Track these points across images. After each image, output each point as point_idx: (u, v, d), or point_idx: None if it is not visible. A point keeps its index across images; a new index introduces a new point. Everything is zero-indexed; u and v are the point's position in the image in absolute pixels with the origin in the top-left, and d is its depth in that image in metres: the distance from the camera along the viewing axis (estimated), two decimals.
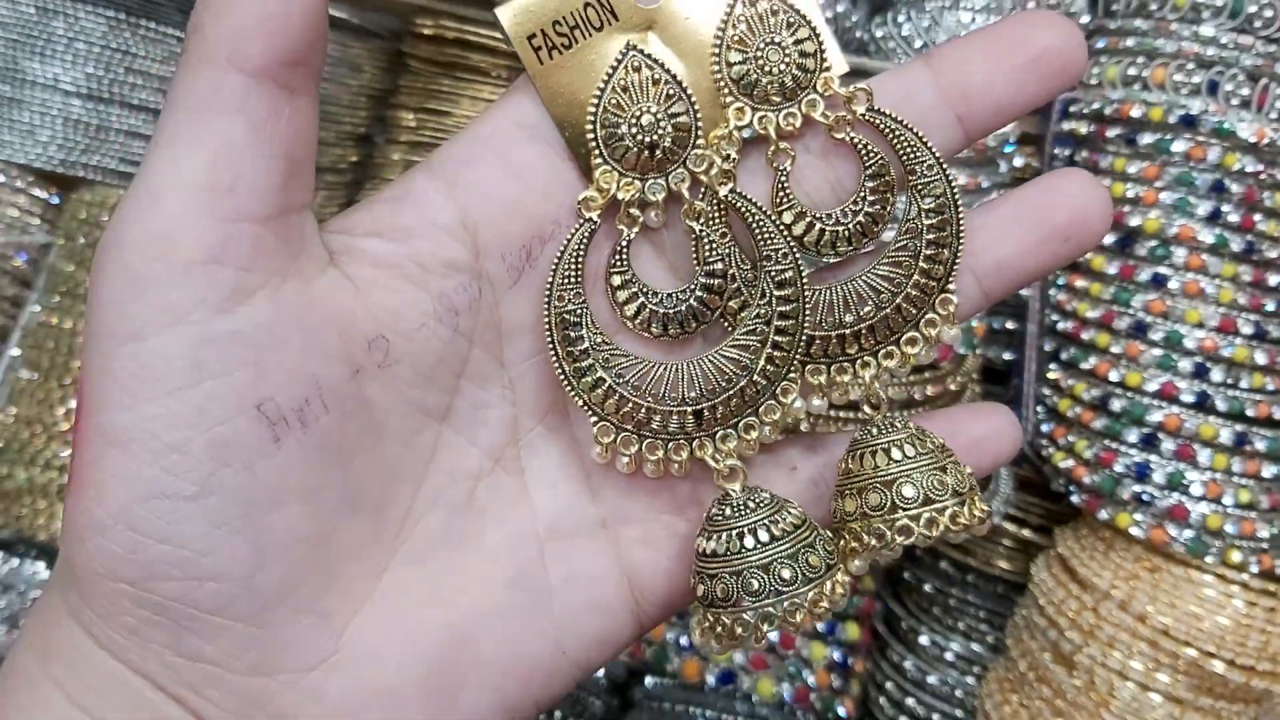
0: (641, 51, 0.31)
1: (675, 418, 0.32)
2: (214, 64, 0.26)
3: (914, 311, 0.33)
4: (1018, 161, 0.98)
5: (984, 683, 0.93)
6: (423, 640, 0.31)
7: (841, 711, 0.95)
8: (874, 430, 0.33)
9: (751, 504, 0.32)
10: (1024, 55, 0.32)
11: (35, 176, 1.06)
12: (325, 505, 0.29)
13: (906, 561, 1.02)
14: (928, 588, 1.00)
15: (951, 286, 0.33)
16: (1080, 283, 0.91)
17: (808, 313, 0.32)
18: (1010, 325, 1.00)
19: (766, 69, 0.32)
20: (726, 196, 0.32)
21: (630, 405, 0.32)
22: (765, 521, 0.32)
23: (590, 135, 0.31)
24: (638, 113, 0.31)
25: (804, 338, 0.32)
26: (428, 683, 0.31)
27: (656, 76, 0.31)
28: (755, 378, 0.32)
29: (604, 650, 0.34)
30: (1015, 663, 0.90)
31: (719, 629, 0.32)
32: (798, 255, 0.32)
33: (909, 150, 0.32)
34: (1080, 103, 0.97)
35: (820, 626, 0.95)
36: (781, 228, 0.32)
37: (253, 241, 0.27)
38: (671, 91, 0.31)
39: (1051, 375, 0.91)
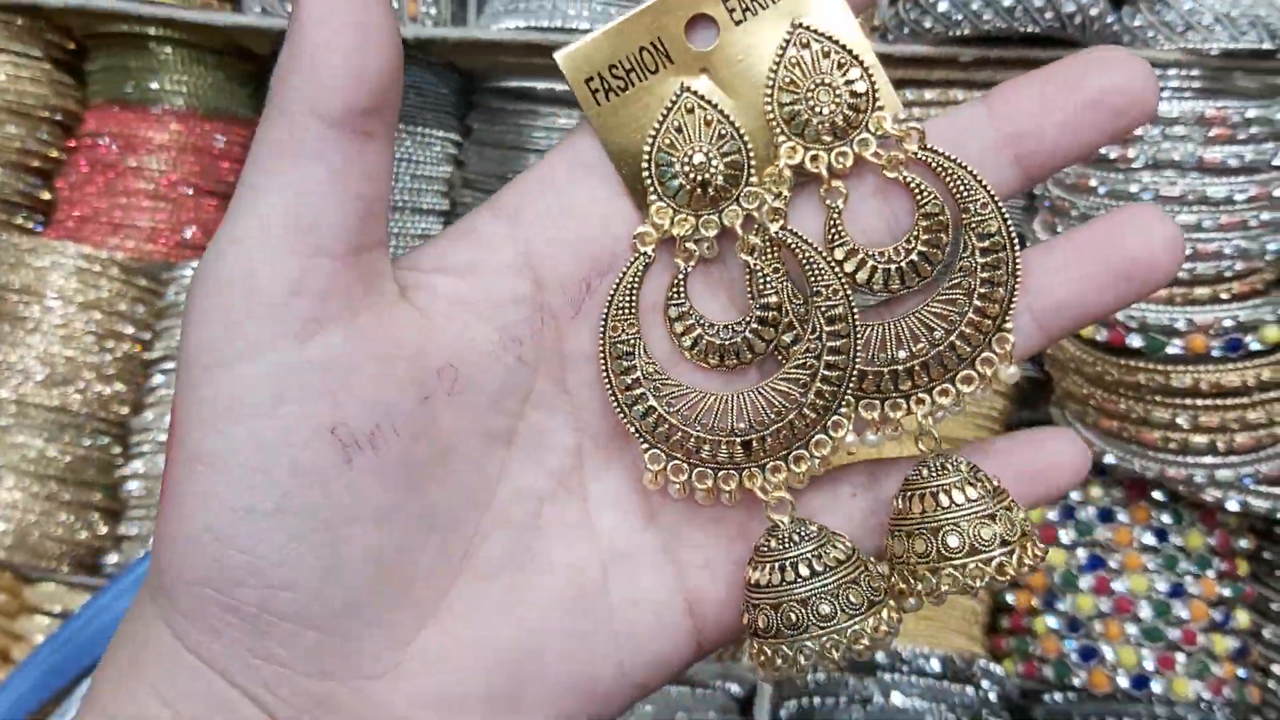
0: (694, 92, 0.33)
1: (724, 448, 0.32)
2: (296, 114, 0.28)
3: (969, 350, 0.33)
4: None
5: None
6: (487, 655, 0.32)
7: (1251, 700, 0.94)
8: (924, 470, 0.33)
9: (798, 537, 0.32)
10: (1080, 97, 0.32)
11: None
12: (396, 524, 0.30)
13: (1263, 540, 1.01)
14: None
15: (1008, 325, 0.33)
16: None
17: (859, 348, 0.32)
18: None
19: (817, 109, 0.33)
20: (777, 233, 0.33)
21: (680, 434, 0.32)
22: (810, 555, 0.32)
23: (645, 173, 0.33)
24: (690, 151, 0.32)
25: (856, 373, 0.33)
26: (490, 695, 0.32)
27: (709, 117, 0.33)
28: (804, 411, 0.32)
29: (663, 672, 0.35)
30: None
31: (763, 658, 0.32)
32: (848, 290, 0.32)
33: (962, 189, 0.33)
34: None
35: (1217, 615, 0.94)
36: (833, 264, 0.32)
37: (329, 277, 0.29)
38: (724, 131, 0.33)
39: None
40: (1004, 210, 0.33)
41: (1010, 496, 0.33)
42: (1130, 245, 0.32)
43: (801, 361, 0.32)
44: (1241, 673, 0.94)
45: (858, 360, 0.32)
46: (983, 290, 0.33)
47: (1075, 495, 0.98)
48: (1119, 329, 0.93)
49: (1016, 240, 0.33)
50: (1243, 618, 0.96)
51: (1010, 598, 0.99)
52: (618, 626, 0.34)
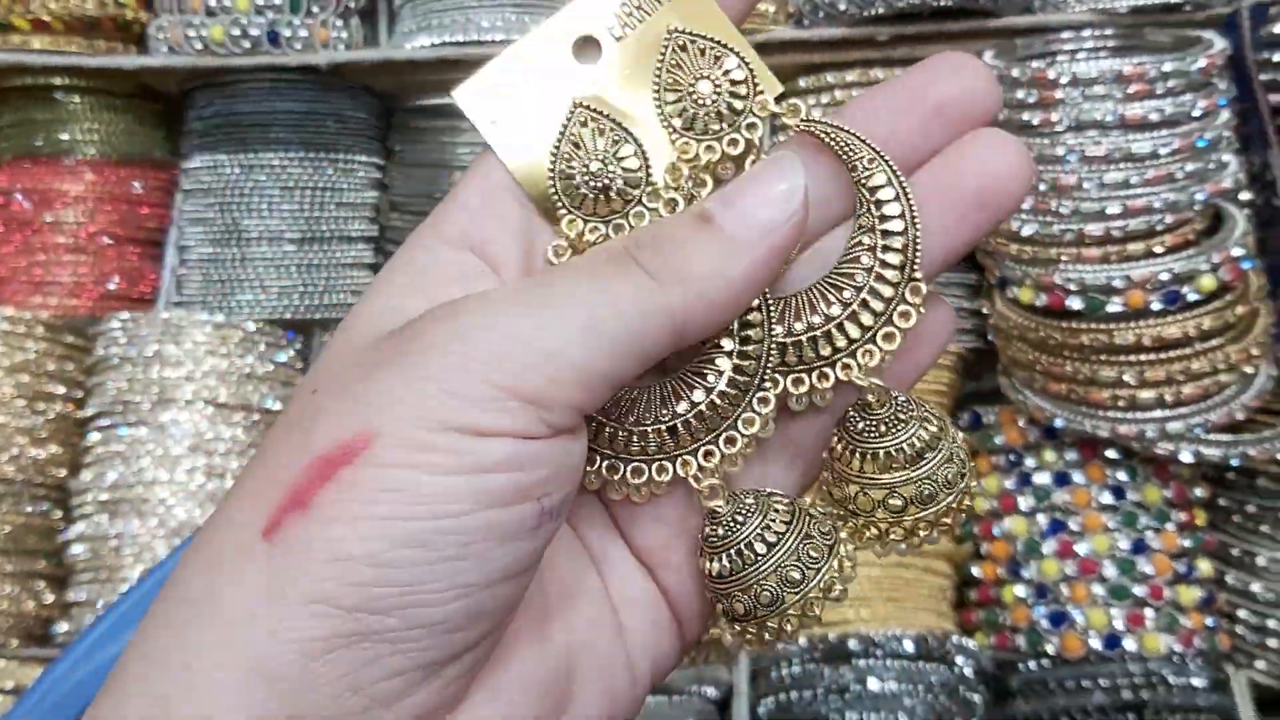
0: (587, 107, 0.34)
1: (653, 437, 0.32)
2: None
3: (883, 305, 0.33)
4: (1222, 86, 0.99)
5: None
6: (531, 686, 0.32)
7: (1222, 648, 0.94)
8: (869, 420, 0.33)
9: (741, 516, 0.32)
10: (926, 106, 0.33)
11: (279, 326, 1.06)
12: (523, 583, 0.31)
13: (1217, 488, 1.01)
14: (1250, 508, 0.99)
15: (918, 274, 0.33)
16: None
17: (774, 322, 0.33)
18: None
19: (700, 101, 0.34)
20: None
21: (608, 431, 0.32)
22: (760, 530, 0.32)
23: (551, 189, 0.34)
24: (586, 161, 0.34)
25: (777, 345, 0.33)
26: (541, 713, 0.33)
27: (603, 127, 0.34)
28: (723, 388, 0.32)
29: (662, 669, 0.36)
30: None
31: (751, 639, 0.33)
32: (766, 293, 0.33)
33: (847, 149, 0.33)
34: (1273, 5, 0.99)
35: (1180, 568, 0.95)
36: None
37: None
38: (618, 137, 0.34)
39: None
40: (890, 162, 0.33)
41: (954, 431, 0.33)
42: (976, 173, 0.33)
43: (716, 341, 0.32)
44: (1209, 621, 0.95)
45: (774, 333, 0.33)
46: (884, 243, 0.33)
47: (1030, 462, 0.98)
48: (1058, 292, 0.93)
49: (909, 189, 0.33)
50: (1205, 567, 0.96)
51: (976, 570, 0.99)
52: (623, 628, 0.34)
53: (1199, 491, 0.98)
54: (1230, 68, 1.04)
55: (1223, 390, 0.91)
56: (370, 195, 1.12)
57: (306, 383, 0.30)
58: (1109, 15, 1.08)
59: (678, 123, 0.34)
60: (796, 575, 0.32)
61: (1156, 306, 0.91)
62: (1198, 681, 0.89)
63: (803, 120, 0.34)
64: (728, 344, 0.32)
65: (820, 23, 1.15)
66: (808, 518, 0.33)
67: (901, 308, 0.33)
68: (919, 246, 0.33)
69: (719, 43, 0.34)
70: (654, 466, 0.33)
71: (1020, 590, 0.96)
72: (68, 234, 1.06)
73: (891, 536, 0.33)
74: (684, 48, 0.34)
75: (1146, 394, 0.90)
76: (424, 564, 0.27)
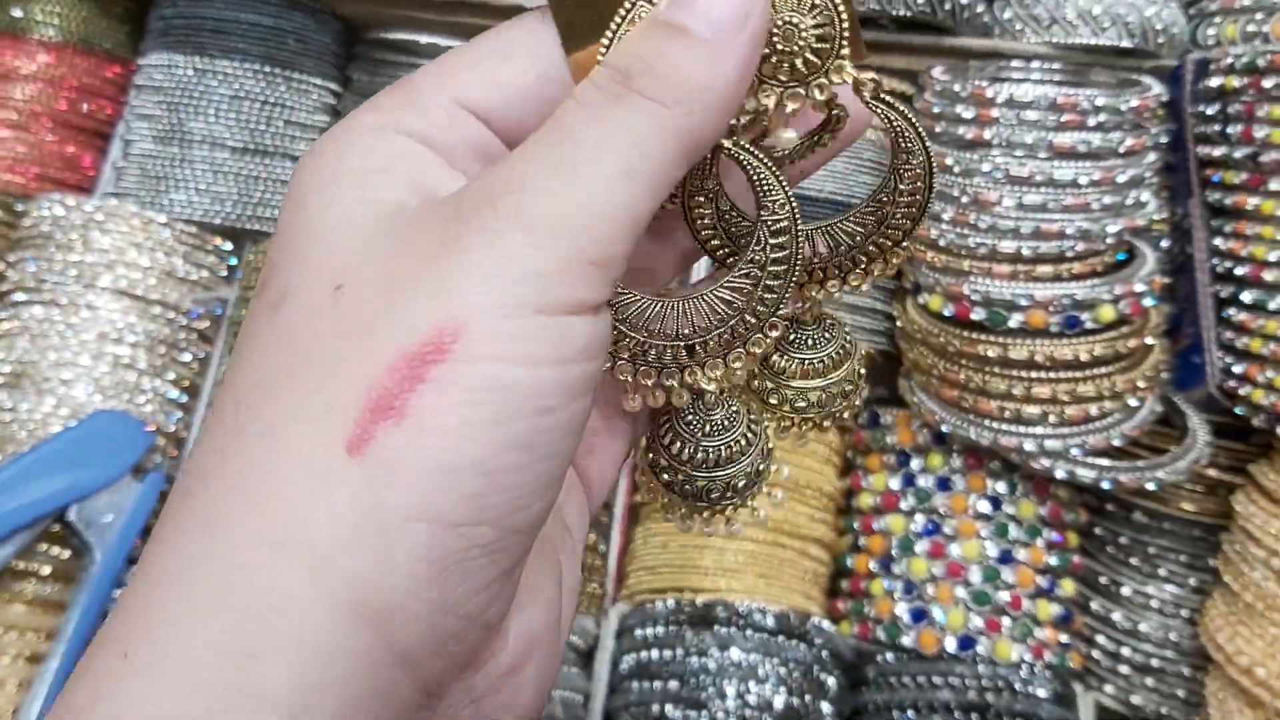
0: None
1: (669, 352, 0.33)
2: None
3: (876, 251, 0.37)
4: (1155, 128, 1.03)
5: (1204, 621, 0.96)
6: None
7: (1072, 665, 0.97)
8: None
9: (728, 420, 0.36)
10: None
11: (210, 232, 1.07)
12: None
13: (1095, 517, 1.05)
14: (1123, 539, 1.03)
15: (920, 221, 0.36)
16: (1251, 229, 0.95)
17: (799, 261, 0.34)
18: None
19: (780, 47, 0.32)
20: (730, 149, 0.33)
21: (626, 338, 0.33)
22: (744, 431, 0.36)
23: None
24: None
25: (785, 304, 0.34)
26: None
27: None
28: (747, 317, 0.33)
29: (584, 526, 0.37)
30: (1237, 596, 0.93)
31: (694, 513, 0.37)
32: (795, 206, 0.33)
33: (901, 132, 0.35)
34: (1214, 62, 1.02)
35: (1043, 583, 0.98)
36: (780, 179, 0.33)
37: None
38: None
39: (1237, 319, 0.95)
40: (931, 154, 0.35)
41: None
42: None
43: (746, 271, 0.33)
44: (1064, 639, 0.98)
45: (797, 270, 0.33)
46: (904, 200, 0.36)
47: (917, 464, 1.01)
48: (965, 303, 0.96)
49: (925, 138, 0.35)
50: (1068, 586, 0.99)
51: (850, 561, 1.02)
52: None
53: (1075, 516, 1.01)
54: (1170, 119, 1.07)
55: (1105, 417, 0.94)
56: (321, 119, 1.13)
57: (305, 283, 0.27)
58: (1062, 50, 1.11)
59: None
60: (762, 468, 0.36)
61: (1055, 328, 0.94)
62: (1041, 692, 0.92)
63: (874, 99, 0.33)
64: (757, 276, 0.33)
65: None
66: (763, 422, 0.37)
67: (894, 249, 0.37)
68: (932, 192, 0.36)
69: None
70: (664, 374, 0.34)
71: (888, 584, 0.98)
72: (12, 110, 1.07)
73: (790, 427, 0.38)
74: None
75: (1031, 409, 0.93)
76: (527, 467, 0.25)
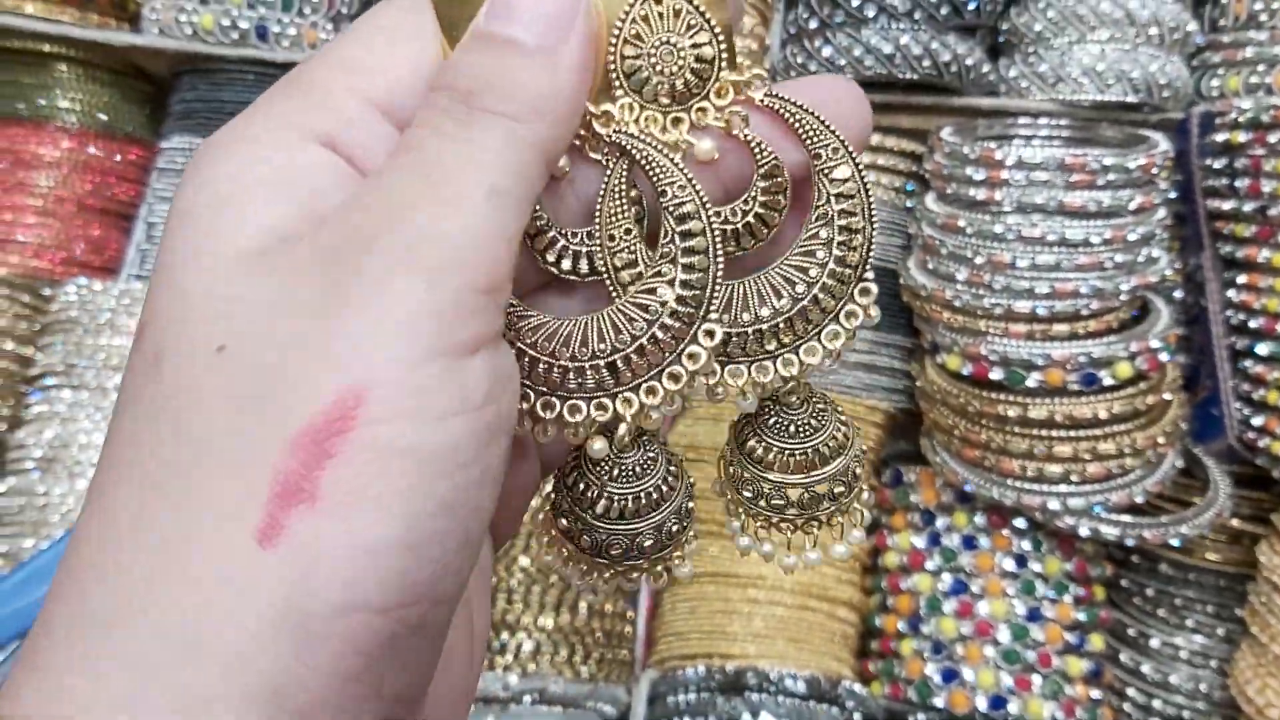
0: None
1: (590, 373, 0.29)
2: None
3: (832, 302, 0.31)
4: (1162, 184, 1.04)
5: (1234, 673, 0.96)
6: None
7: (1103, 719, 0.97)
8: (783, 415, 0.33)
9: (640, 468, 0.31)
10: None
11: None
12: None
13: (1121, 569, 1.05)
14: (1150, 591, 1.03)
15: (868, 275, 0.31)
16: (1263, 281, 0.96)
17: (717, 304, 0.30)
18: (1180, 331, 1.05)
19: (659, 68, 0.30)
20: (611, 136, 0.30)
21: (542, 365, 0.29)
22: (658, 484, 0.31)
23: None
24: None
25: (725, 335, 0.31)
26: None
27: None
28: (665, 320, 0.29)
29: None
30: (1266, 648, 0.94)
31: (593, 570, 0.32)
32: (699, 188, 0.30)
33: (812, 135, 0.31)
34: (1219, 115, 1.04)
35: (1072, 639, 0.98)
36: (679, 165, 0.30)
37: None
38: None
39: (1254, 370, 0.96)
40: (855, 155, 0.31)
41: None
42: (826, 99, 0.32)
43: (657, 269, 0.30)
44: (1095, 694, 0.98)
45: (719, 283, 0.30)
46: (841, 239, 0.31)
47: (942, 522, 1.02)
48: (983, 363, 0.97)
49: (869, 186, 0.31)
50: (1097, 641, 1.00)
51: (879, 621, 1.02)
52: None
53: (1101, 570, 1.02)
54: (1178, 170, 1.09)
55: (1127, 473, 0.95)
56: None
57: (182, 342, 0.24)
58: (1068, 106, 1.13)
59: (626, 81, 0.31)
60: (675, 529, 0.31)
61: (1073, 387, 0.95)
62: None
63: (769, 96, 0.31)
64: (670, 271, 0.29)
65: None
66: (685, 476, 0.32)
67: (849, 307, 0.31)
68: (873, 245, 0.31)
69: (698, 10, 0.30)
70: (592, 404, 0.29)
71: (917, 644, 0.99)
72: (38, 196, 1.09)
73: (766, 527, 0.32)
74: (659, 0, 0.30)
75: (1053, 468, 0.94)
76: (451, 531, 0.23)
